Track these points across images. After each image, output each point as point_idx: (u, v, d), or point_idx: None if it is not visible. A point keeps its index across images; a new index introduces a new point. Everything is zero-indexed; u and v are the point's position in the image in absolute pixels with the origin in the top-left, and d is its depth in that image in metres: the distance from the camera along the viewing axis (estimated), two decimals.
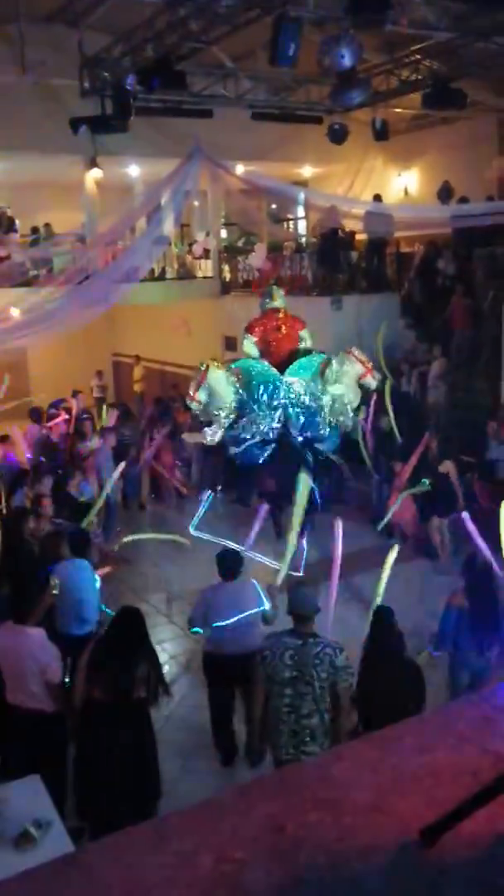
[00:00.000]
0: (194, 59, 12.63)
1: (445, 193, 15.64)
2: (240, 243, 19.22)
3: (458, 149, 16.53)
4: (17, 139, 14.16)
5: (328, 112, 15.32)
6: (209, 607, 5.85)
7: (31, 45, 13.48)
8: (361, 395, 10.75)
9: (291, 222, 21.57)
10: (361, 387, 9.98)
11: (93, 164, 15.47)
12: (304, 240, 18.86)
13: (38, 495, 8.26)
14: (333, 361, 9.93)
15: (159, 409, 14.13)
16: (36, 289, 13.93)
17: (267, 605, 5.89)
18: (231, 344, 12.90)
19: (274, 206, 20.57)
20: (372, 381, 10.00)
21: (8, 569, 6.72)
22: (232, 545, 9.48)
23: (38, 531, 7.42)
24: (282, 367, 10.20)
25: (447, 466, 9.44)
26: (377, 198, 16.07)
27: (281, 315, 10.52)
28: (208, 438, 9.89)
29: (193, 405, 9.83)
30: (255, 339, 10.35)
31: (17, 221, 16.10)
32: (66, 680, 5.22)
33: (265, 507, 8.77)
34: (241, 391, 9.74)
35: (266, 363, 10.08)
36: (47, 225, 16.43)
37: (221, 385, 9.72)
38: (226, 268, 18.39)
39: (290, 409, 9.76)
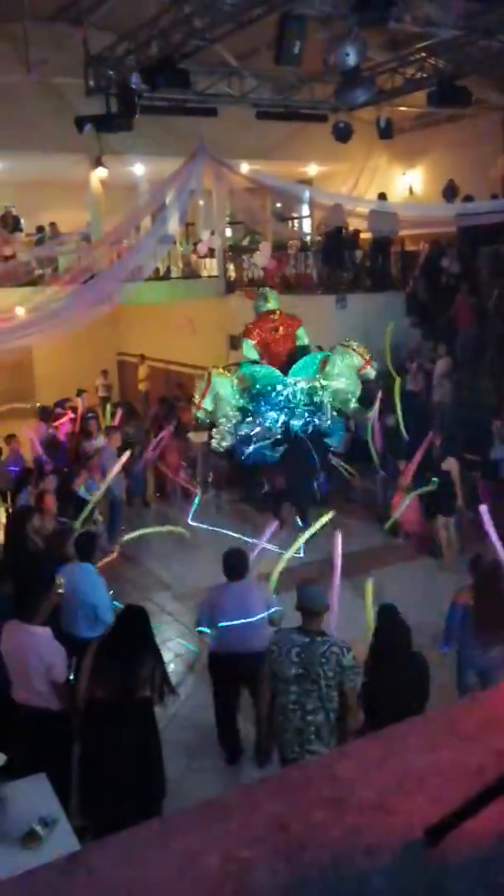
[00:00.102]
0: (198, 58, 12.62)
1: (450, 192, 15.62)
2: (245, 242, 19.21)
3: (462, 147, 16.49)
4: (22, 138, 14.18)
5: (333, 110, 15.30)
6: (214, 608, 5.84)
7: (36, 44, 13.51)
8: (368, 393, 10.87)
9: (296, 221, 21.56)
10: (361, 378, 10.10)
11: (97, 162, 15.47)
12: (308, 238, 18.86)
13: (42, 493, 8.28)
14: (333, 356, 10.04)
15: (164, 408, 14.14)
16: (41, 288, 13.94)
17: (274, 608, 5.87)
18: (236, 343, 12.94)
19: (279, 204, 20.58)
20: (371, 372, 10.16)
21: (12, 567, 6.73)
22: (230, 533, 9.60)
23: (44, 529, 7.44)
24: (283, 367, 10.30)
25: (450, 465, 9.43)
26: (382, 196, 16.06)
27: (277, 316, 10.62)
28: (214, 445, 10.00)
29: (200, 414, 9.93)
30: (253, 342, 10.45)
31: (22, 220, 16.12)
32: (72, 678, 5.23)
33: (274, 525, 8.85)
34: (246, 396, 9.85)
35: (268, 366, 10.16)
36: (53, 224, 16.45)
37: (227, 391, 9.82)
38: (231, 266, 18.39)
39: (297, 409, 9.87)
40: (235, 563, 5.93)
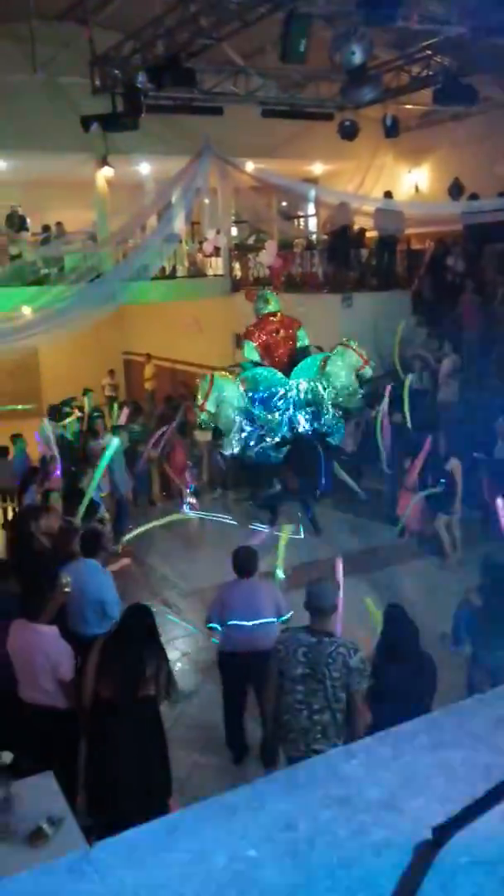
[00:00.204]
0: (204, 57, 12.61)
1: (456, 190, 15.59)
2: (250, 241, 19.20)
3: (468, 145, 16.45)
4: (28, 137, 14.20)
5: (339, 109, 15.28)
6: (224, 606, 5.84)
7: (42, 44, 13.52)
8: (377, 391, 10.96)
9: (302, 219, 21.54)
10: (360, 377, 10.22)
11: (104, 161, 15.49)
12: (314, 237, 18.84)
13: (47, 491, 8.28)
14: (332, 357, 10.17)
15: (170, 407, 14.14)
16: (47, 287, 13.96)
17: (283, 607, 5.86)
18: (241, 342, 12.96)
19: (284, 203, 20.55)
20: (369, 371, 10.32)
21: (17, 566, 6.73)
22: (225, 518, 9.68)
23: (50, 529, 7.44)
24: (285, 368, 10.42)
25: (452, 464, 9.40)
26: (388, 194, 16.04)
27: (278, 318, 10.72)
28: (227, 452, 10.11)
29: (203, 416, 10.00)
30: (255, 344, 10.55)
31: (28, 220, 16.14)
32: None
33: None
34: (248, 398, 9.95)
35: (271, 368, 10.28)
36: (59, 223, 16.46)
37: (230, 394, 9.91)
38: (236, 265, 18.38)
39: (300, 410, 10.01)
40: (245, 561, 5.91)
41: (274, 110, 15.05)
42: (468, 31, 11.59)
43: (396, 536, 10.07)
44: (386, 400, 10.98)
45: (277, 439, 10.04)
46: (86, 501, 8.08)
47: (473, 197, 14.42)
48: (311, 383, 10.24)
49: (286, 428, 10.07)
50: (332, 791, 1.41)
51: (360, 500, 11.44)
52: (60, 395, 14.23)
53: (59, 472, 9.97)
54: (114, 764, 4.51)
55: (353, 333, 12.10)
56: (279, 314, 10.81)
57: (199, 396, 10.07)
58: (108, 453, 8.83)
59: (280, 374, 10.28)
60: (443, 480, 9.26)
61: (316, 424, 10.17)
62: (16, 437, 11.74)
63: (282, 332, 10.70)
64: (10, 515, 9.51)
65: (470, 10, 10.97)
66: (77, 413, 12.82)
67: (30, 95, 13.91)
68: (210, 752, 6.06)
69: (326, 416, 10.21)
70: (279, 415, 10.03)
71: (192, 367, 17.23)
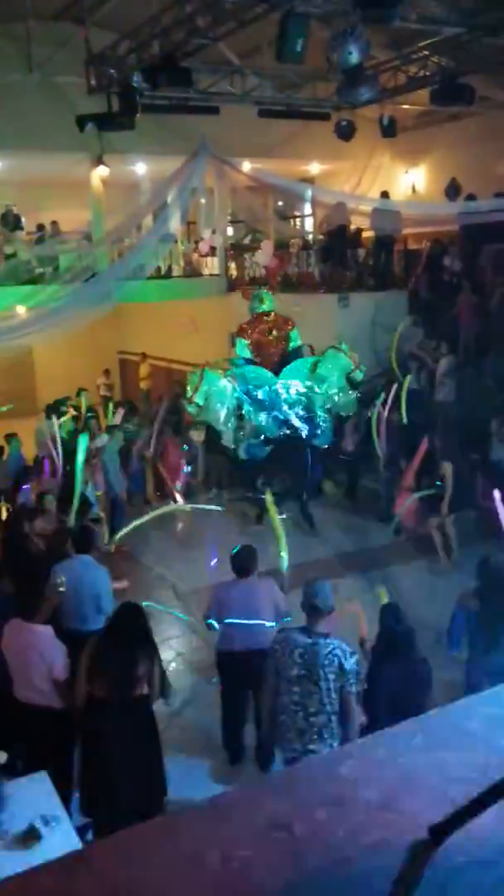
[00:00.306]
0: (200, 56, 12.61)
1: (453, 190, 15.60)
2: (246, 240, 19.21)
3: (465, 145, 16.47)
4: (24, 137, 14.18)
5: (335, 108, 15.29)
6: (222, 605, 5.81)
7: (38, 43, 13.52)
8: (375, 390, 11.02)
9: (298, 219, 21.55)
10: (351, 380, 10.33)
11: (99, 161, 15.47)
12: (311, 237, 18.84)
13: (42, 493, 8.27)
14: (323, 359, 10.31)
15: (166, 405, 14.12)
16: (42, 286, 13.94)
17: (283, 608, 5.83)
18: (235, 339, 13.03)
19: (280, 203, 20.57)
20: (359, 374, 10.46)
21: (11, 567, 6.72)
22: (213, 508, 9.74)
23: (44, 530, 7.43)
24: (275, 368, 10.52)
25: (444, 466, 9.40)
26: (384, 194, 16.04)
27: (271, 318, 10.80)
28: (227, 444, 10.24)
29: (191, 408, 10.15)
30: (247, 342, 10.66)
31: (23, 219, 16.12)
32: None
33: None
34: (237, 394, 10.08)
35: (260, 368, 10.39)
36: (54, 223, 16.45)
37: (219, 388, 10.03)
38: (232, 265, 18.38)
39: (289, 410, 10.16)
40: (243, 561, 5.89)
41: (270, 110, 15.05)
42: (465, 30, 11.61)
43: (392, 536, 10.08)
44: (380, 399, 10.99)
45: (263, 437, 10.16)
46: (76, 500, 8.08)
47: (470, 197, 14.44)
48: (300, 385, 10.35)
49: (275, 427, 10.18)
50: (328, 791, 1.40)
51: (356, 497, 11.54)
52: (55, 395, 14.22)
53: (60, 472, 9.97)
54: (108, 763, 4.50)
55: (349, 333, 12.13)
56: (273, 314, 10.88)
57: (189, 389, 10.20)
58: (80, 454, 8.87)
59: (269, 374, 10.39)
60: (438, 483, 9.27)
61: (305, 425, 10.29)
62: (10, 437, 11.72)
63: (274, 332, 10.81)
64: (3, 515, 9.49)
65: (467, 9, 10.99)
66: (72, 412, 12.80)
67: (25, 95, 13.89)
68: (205, 753, 6.05)
69: (317, 418, 10.31)
70: (265, 412, 10.16)
71: (187, 367, 17.21)
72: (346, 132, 15.29)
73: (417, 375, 13.15)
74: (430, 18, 11.18)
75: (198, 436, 12.29)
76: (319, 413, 10.39)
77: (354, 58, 9.91)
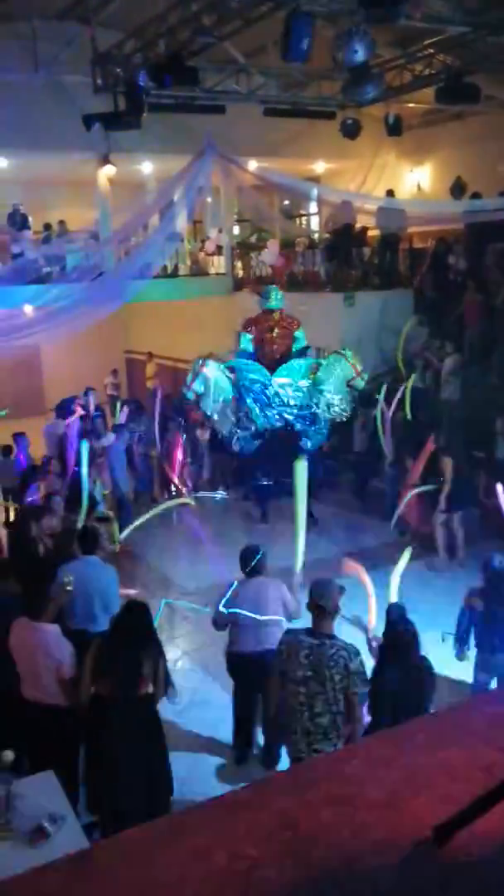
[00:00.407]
0: (206, 55, 12.61)
1: (458, 189, 15.57)
2: (252, 239, 19.19)
3: (471, 144, 16.44)
4: (30, 136, 14.18)
5: (341, 107, 15.28)
6: (231, 605, 5.80)
7: (44, 42, 13.51)
8: (378, 388, 11.06)
9: (304, 218, 21.53)
10: (352, 387, 10.44)
11: (105, 160, 15.46)
12: (316, 236, 18.83)
13: (49, 493, 8.29)
14: (324, 364, 10.41)
15: (171, 405, 14.13)
16: (49, 286, 13.95)
17: (292, 608, 5.81)
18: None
19: (286, 202, 20.55)
20: (360, 382, 10.58)
21: (18, 566, 6.74)
22: (215, 495, 9.77)
23: (52, 528, 7.44)
24: (275, 366, 10.60)
25: (445, 463, 9.38)
26: (390, 193, 16.03)
27: (276, 316, 10.87)
28: (216, 426, 10.41)
29: (189, 394, 10.38)
30: (251, 336, 10.81)
31: (29, 218, 16.13)
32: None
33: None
34: (233, 386, 10.24)
35: (258, 364, 10.51)
36: (61, 222, 16.45)
37: (217, 377, 10.20)
38: (238, 264, 18.37)
39: (282, 407, 10.28)
40: (251, 560, 5.88)
41: (276, 109, 15.04)
42: (470, 29, 11.59)
43: (395, 534, 10.05)
44: (382, 396, 10.98)
45: (254, 430, 10.43)
46: (84, 500, 8.09)
47: (475, 196, 14.40)
48: (295, 384, 10.45)
49: (267, 422, 10.33)
50: (333, 790, 1.41)
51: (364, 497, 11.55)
52: (62, 394, 14.23)
53: (72, 471, 10.01)
54: (113, 762, 4.51)
55: (354, 332, 12.13)
56: (278, 312, 10.92)
57: (190, 374, 10.34)
58: (84, 454, 8.96)
59: (264, 371, 10.51)
60: (441, 479, 9.25)
61: (298, 424, 10.39)
62: (18, 436, 11.74)
63: (276, 330, 10.89)
64: (11, 515, 9.51)
65: (472, 8, 10.96)
66: (80, 412, 12.81)
67: (31, 94, 13.89)
68: (211, 751, 6.05)
69: (311, 419, 10.42)
70: (257, 406, 10.26)
71: None
72: (351, 131, 15.27)
73: (423, 374, 13.15)
74: (435, 17, 11.16)
75: (203, 435, 12.30)
76: (315, 414, 10.47)
77: (360, 56, 9.90)
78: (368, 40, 9.84)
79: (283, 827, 1.32)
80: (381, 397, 10.98)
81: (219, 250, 17.94)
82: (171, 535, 10.54)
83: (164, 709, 4.97)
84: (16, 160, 15.84)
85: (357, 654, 4.37)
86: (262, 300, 11.07)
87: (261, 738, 5.95)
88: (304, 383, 10.50)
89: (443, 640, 6.52)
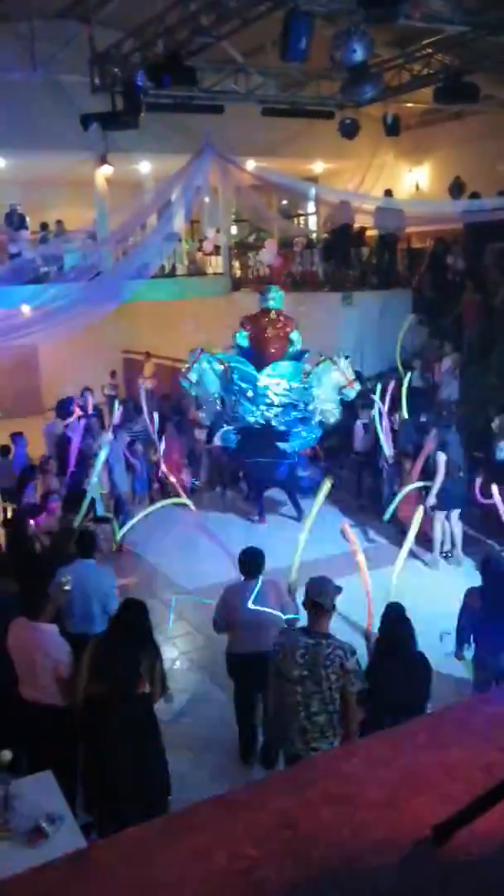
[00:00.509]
0: (204, 55, 12.60)
1: (457, 188, 15.58)
2: (250, 239, 19.21)
3: (469, 143, 16.45)
4: (28, 136, 14.18)
5: (339, 107, 15.28)
6: (229, 607, 5.78)
7: (42, 42, 13.50)
8: (375, 388, 11.09)
9: (302, 218, 21.54)
10: (341, 396, 10.54)
11: (103, 160, 15.47)
12: (314, 235, 18.83)
13: (47, 492, 8.28)
14: (316, 370, 10.51)
15: (169, 405, 14.12)
16: (47, 286, 13.95)
17: (290, 610, 5.80)
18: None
19: (285, 201, 20.55)
20: (351, 392, 10.69)
21: (15, 565, 6.73)
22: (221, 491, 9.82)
23: (49, 528, 7.44)
24: (264, 366, 10.70)
25: (439, 457, 9.35)
26: (388, 193, 16.04)
27: (272, 316, 10.94)
28: (201, 417, 11.05)
29: (185, 383, 10.85)
30: (247, 333, 10.97)
31: (27, 218, 16.13)
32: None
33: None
34: (223, 381, 10.39)
35: (247, 362, 10.64)
36: (59, 222, 16.46)
37: (211, 369, 10.39)
38: (236, 264, 18.38)
39: (266, 407, 10.40)
40: (251, 562, 5.87)
41: (274, 109, 15.05)
42: (469, 29, 11.59)
43: (390, 527, 10.03)
44: (377, 397, 10.97)
45: (237, 425, 10.66)
46: (86, 501, 8.09)
47: (474, 195, 14.41)
48: (281, 385, 10.53)
49: (252, 415, 10.53)
50: (333, 790, 1.40)
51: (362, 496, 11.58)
52: (60, 394, 14.22)
53: (70, 470, 10.02)
54: (111, 762, 4.51)
55: (353, 331, 12.13)
56: (274, 312, 10.97)
57: (187, 363, 10.78)
58: (102, 454, 9.02)
59: (253, 370, 10.62)
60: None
61: (282, 425, 10.45)
62: (16, 436, 11.73)
63: (270, 331, 10.95)
64: (9, 514, 9.51)
65: (471, 8, 10.96)
66: (78, 412, 12.80)
67: (29, 94, 13.88)
68: (209, 751, 6.05)
69: (294, 420, 10.48)
70: (247, 400, 10.43)
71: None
72: (349, 130, 15.27)
73: (422, 373, 13.15)
74: (434, 17, 11.15)
75: (200, 435, 12.29)
76: (303, 417, 10.57)
77: (358, 56, 9.90)
78: (367, 40, 9.84)
79: (283, 826, 1.31)
80: (376, 396, 10.98)
81: (216, 250, 17.94)
82: (171, 535, 10.52)
83: (162, 708, 4.97)
84: (13, 160, 15.83)
85: (353, 652, 4.38)
86: (261, 298, 11.14)
87: (261, 738, 5.95)
88: (295, 385, 10.55)
89: (441, 639, 6.51)
